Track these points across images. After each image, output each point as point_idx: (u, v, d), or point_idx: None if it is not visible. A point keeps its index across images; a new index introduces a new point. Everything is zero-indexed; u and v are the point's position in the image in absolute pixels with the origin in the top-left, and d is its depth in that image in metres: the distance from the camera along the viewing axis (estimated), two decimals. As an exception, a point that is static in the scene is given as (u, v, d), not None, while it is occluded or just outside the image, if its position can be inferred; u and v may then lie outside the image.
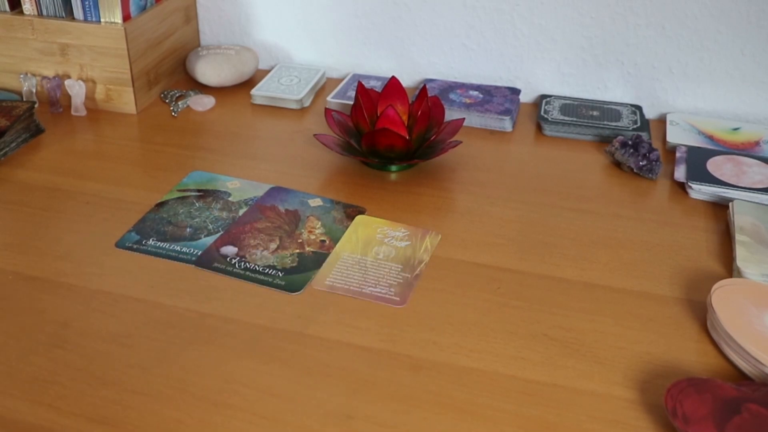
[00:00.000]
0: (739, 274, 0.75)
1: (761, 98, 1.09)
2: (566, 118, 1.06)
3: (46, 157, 0.97)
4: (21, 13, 1.08)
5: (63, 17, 1.06)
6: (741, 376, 0.65)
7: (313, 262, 0.78)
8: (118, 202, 0.88)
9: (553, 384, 0.64)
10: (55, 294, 0.73)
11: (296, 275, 0.76)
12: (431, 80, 1.17)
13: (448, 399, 0.62)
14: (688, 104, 1.12)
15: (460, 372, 0.65)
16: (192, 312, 0.71)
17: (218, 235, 0.82)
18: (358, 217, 0.86)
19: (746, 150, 0.99)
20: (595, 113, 1.08)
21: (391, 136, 0.88)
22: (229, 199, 0.89)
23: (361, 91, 0.94)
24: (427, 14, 1.16)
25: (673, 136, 1.03)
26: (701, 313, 0.72)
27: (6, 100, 1.02)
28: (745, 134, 1.04)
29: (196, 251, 0.79)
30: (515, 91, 1.14)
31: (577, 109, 1.09)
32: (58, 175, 0.93)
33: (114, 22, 1.05)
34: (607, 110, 1.09)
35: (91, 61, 1.07)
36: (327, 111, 0.97)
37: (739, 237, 0.80)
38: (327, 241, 0.81)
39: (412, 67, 1.21)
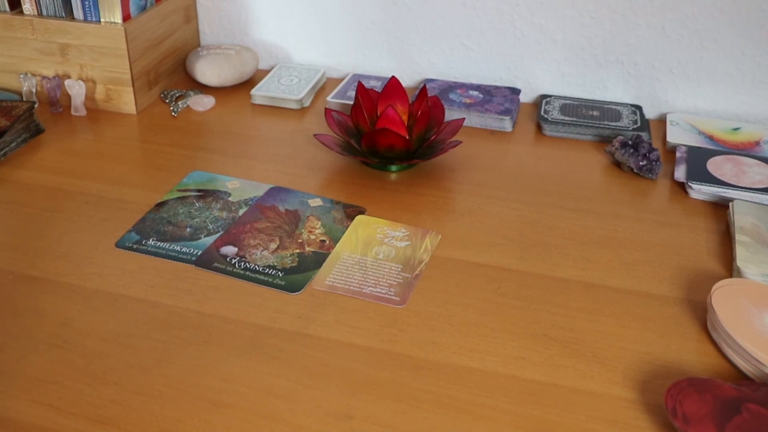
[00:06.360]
0: (739, 274, 0.75)
1: (761, 98, 1.09)
2: (566, 118, 1.06)
3: (46, 157, 0.97)
4: (21, 13, 1.08)
5: (63, 17, 1.06)
6: (741, 376, 0.65)
7: (313, 262, 0.78)
8: (118, 202, 0.88)
9: (553, 384, 0.64)
10: (55, 294, 0.73)
11: (296, 275, 0.76)
12: (431, 80, 1.17)
13: (448, 399, 0.62)
14: (688, 104, 1.12)
15: (460, 372, 0.65)
16: (192, 312, 0.71)
17: (218, 235, 0.82)
18: (358, 217, 0.86)
19: (746, 150, 0.99)
20: (595, 113, 1.08)
21: (391, 136, 0.88)
22: (229, 199, 0.89)
23: (361, 91, 0.94)
24: (427, 14, 1.16)
25: (673, 136, 1.03)
26: (701, 313, 0.72)
27: (6, 100, 1.02)
28: (745, 134, 1.04)
29: (196, 251, 0.79)
30: (515, 91, 1.14)
31: (577, 109, 1.09)
32: (58, 175, 0.93)
33: (114, 22, 1.05)
34: (607, 110, 1.09)
35: (91, 61, 1.07)
36: (327, 111, 0.97)
37: (739, 237, 0.80)
38: (327, 241, 0.81)
39: (412, 67, 1.21)
